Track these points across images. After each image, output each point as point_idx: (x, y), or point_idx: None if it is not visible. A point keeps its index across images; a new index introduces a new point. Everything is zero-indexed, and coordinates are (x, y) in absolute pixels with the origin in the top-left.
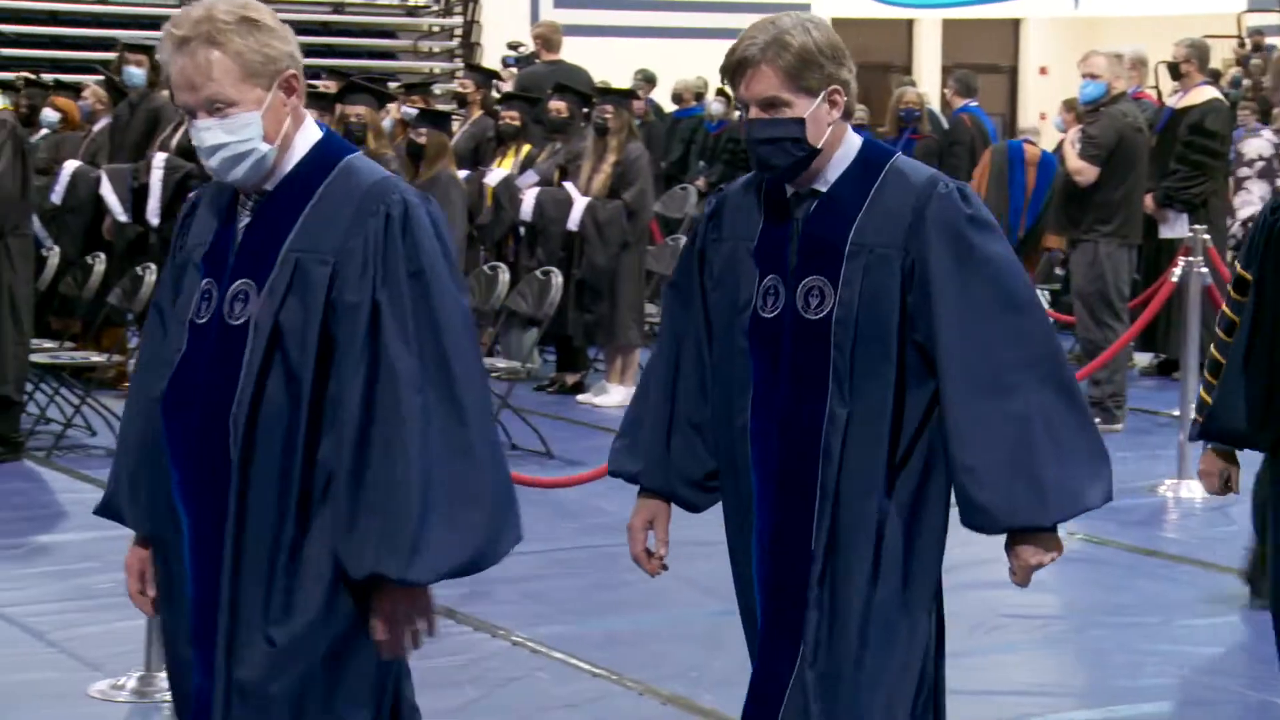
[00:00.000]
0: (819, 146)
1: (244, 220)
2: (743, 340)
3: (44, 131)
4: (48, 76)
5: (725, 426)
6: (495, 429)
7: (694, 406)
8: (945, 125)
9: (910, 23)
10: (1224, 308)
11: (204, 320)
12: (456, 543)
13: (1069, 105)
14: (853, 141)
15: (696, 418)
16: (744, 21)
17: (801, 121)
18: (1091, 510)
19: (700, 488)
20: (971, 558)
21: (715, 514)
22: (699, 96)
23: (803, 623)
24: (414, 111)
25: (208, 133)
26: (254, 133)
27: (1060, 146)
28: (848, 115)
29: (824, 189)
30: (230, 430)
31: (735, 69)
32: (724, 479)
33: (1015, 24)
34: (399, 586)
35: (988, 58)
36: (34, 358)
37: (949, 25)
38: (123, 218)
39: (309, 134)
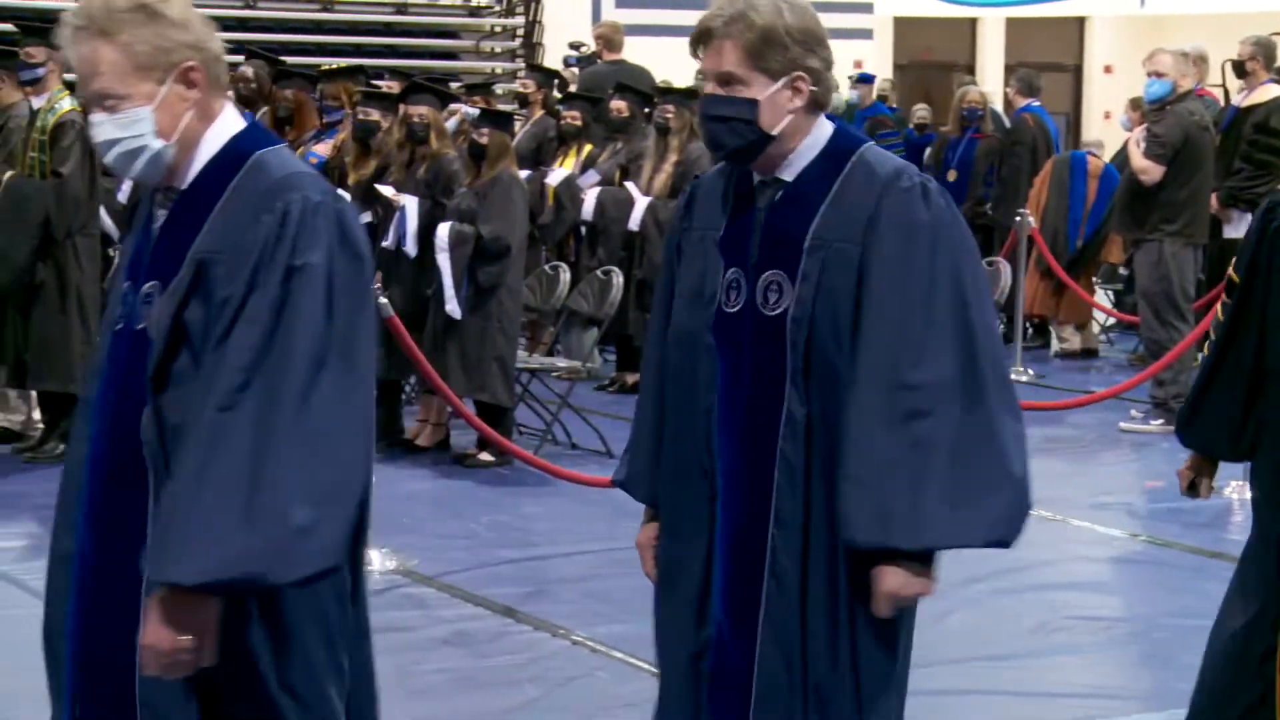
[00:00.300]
0: (773, 133)
1: (159, 221)
2: (708, 336)
3: None
4: None
5: (686, 428)
6: (339, 434)
7: None
8: (1008, 125)
9: (974, 21)
10: (1218, 310)
11: (119, 326)
12: (238, 547)
13: (1135, 104)
14: (823, 131)
15: None
16: None
17: (755, 103)
18: (971, 547)
19: None
20: (1033, 559)
21: None
22: None
23: (757, 644)
24: (475, 111)
25: (99, 128)
26: (145, 129)
27: (1125, 145)
28: (818, 106)
29: (789, 179)
30: (143, 441)
31: (697, 39)
32: (677, 481)
33: (1080, 22)
34: (171, 591)
35: (1052, 56)
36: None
37: (1013, 24)
38: None
39: (224, 128)
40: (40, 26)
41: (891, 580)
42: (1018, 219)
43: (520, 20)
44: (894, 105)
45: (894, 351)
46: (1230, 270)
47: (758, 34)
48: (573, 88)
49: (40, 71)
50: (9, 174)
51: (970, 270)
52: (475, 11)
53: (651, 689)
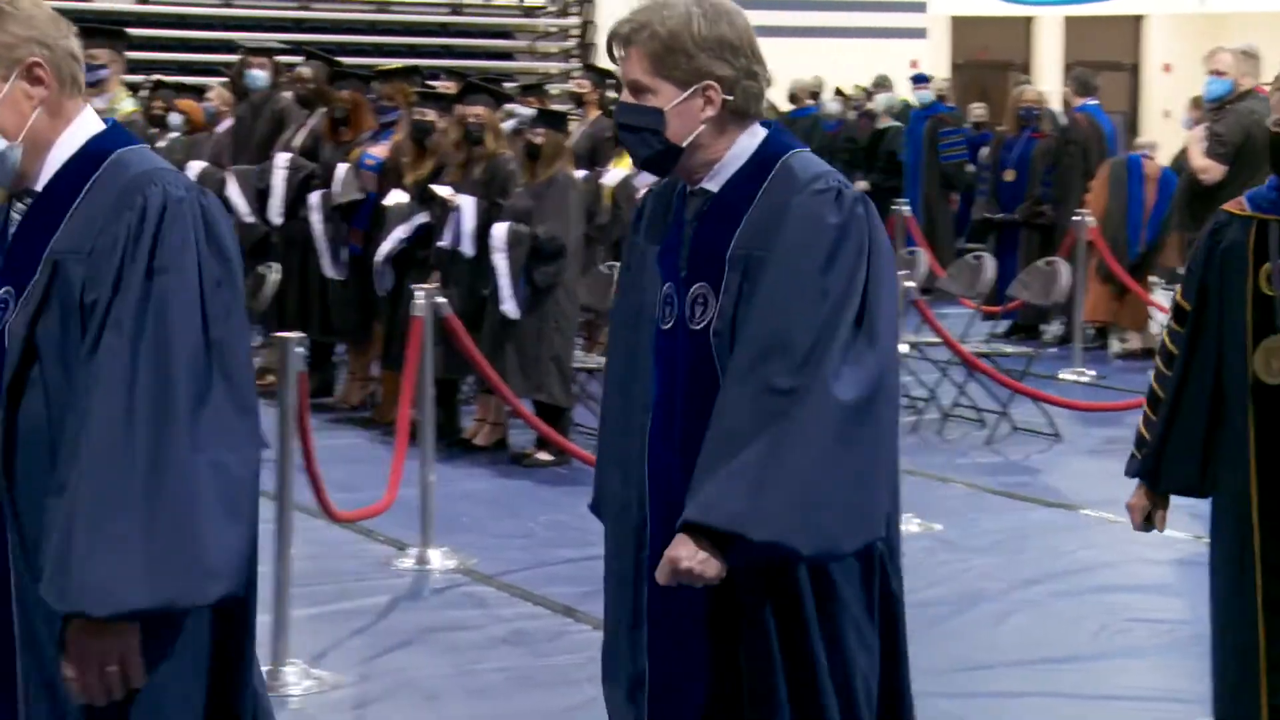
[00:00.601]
0: (682, 144)
1: (14, 225)
2: (646, 354)
3: (173, 135)
4: (173, 79)
5: (626, 447)
6: (235, 445)
7: None
8: (1064, 124)
9: (1030, 20)
10: (1164, 338)
11: None
12: (147, 573)
13: (1196, 103)
14: (751, 139)
15: None
16: (860, 20)
17: (660, 113)
18: (797, 553)
19: None
20: (1094, 561)
21: None
22: (815, 96)
23: (689, 664)
24: (530, 112)
25: None
26: None
27: (1186, 145)
28: (741, 114)
29: (715, 189)
30: None
31: (609, 45)
32: (620, 498)
33: (1137, 20)
34: (87, 621)
35: (1109, 55)
36: None
37: (1070, 22)
38: (248, 218)
39: (82, 129)
40: (103, 29)
41: (681, 551)
42: (1075, 219)
43: (575, 20)
44: (951, 104)
45: (770, 351)
46: (1178, 296)
47: (661, 43)
48: None
49: (103, 73)
50: None
51: (874, 282)
52: (530, 12)
53: None
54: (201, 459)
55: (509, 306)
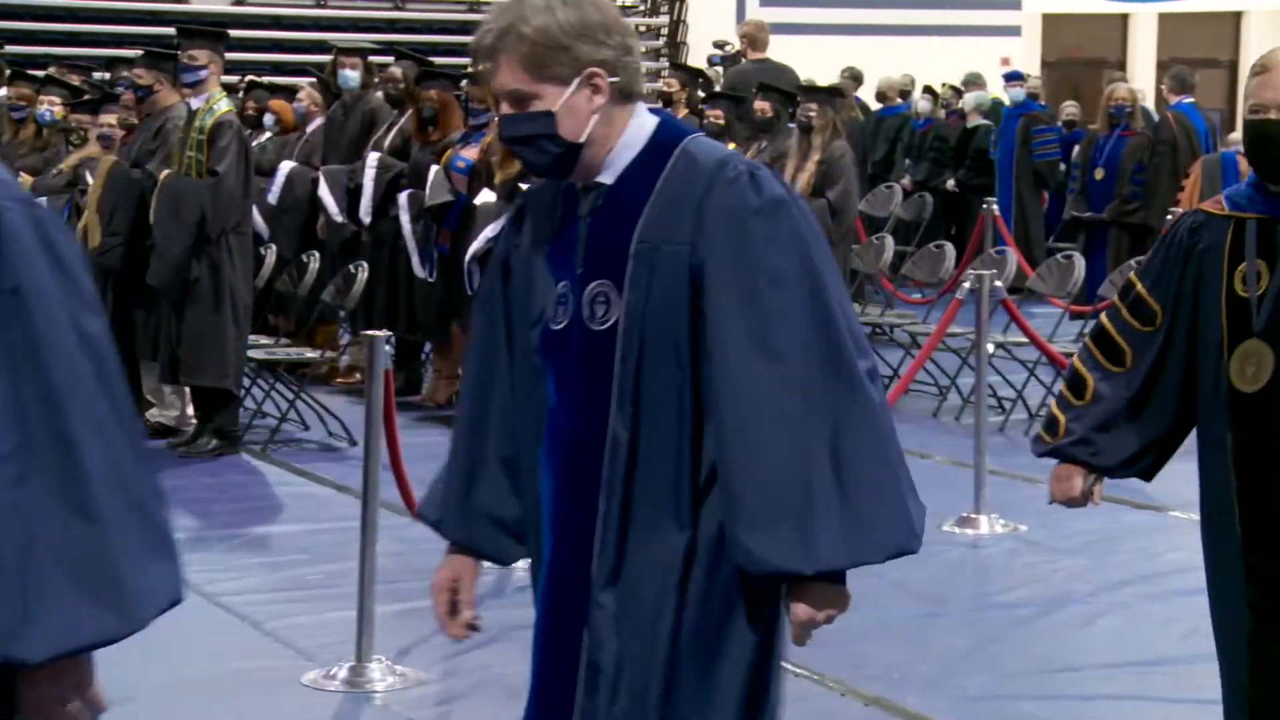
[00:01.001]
0: (580, 140)
1: None
2: (536, 358)
3: (268, 134)
4: (267, 79)
5: (527, 457)
6: (137, 472)
7: (506, 440)
8: (1155, 121)
9: (1125, 17)
10: (1106, 323)
11: None
12: (77, 617)
13: None
14: (643, 125)
15: (509, 452)
16: (952, 18)
17: (551, 115)
18: (872, 564)
19: (510, 534)
20: (1183, 563)
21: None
22: (904, 94)
23: (575, 683)
24: None
25: None
26: None
27: None
28: (627, 96)
29: (610, 181)
30: None
31: (475, 59)
32: (528, 515)
33: (1235, 17)
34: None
35: (1206, 52)
36: (251, 353)
37: (1165, 19)
38: (338, 218)
39: None
40: (203, 30)
41: (800, 611)
42: (1169, 219)
43: (664, 19)
44: (1043, 103)
45: (752, 360)
46: (1141, 291)
47: (531, 43)
48: (717, 87)
49: (202, 74)
50: (166, 173)
51: (817, 251)
52: (620, 11)
53: (792, 689)
54: (112, 488)
55: None
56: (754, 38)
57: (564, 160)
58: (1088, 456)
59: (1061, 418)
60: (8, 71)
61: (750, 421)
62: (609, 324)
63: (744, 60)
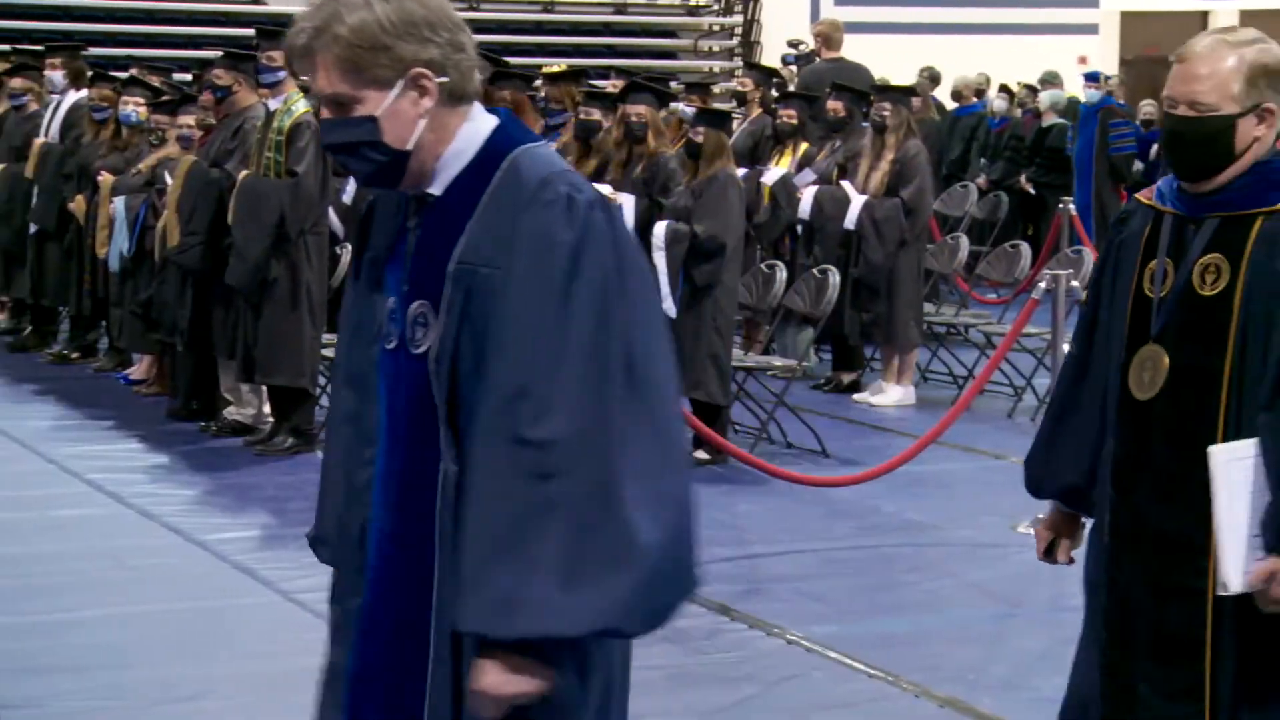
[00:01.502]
0: (408, 147)
1: None
2: (372, 378)
3: None
4: None
5: (347, 485)
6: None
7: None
8: None
9: (1205, 14)
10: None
11: None
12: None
13: None
14: (477, 130)
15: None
16: (1029, 16)
17: (374, 121)
18: (577, 635)
19: None
20: None
21: (999, 514)
22: (980, 93)
23: None
24: (691, 110)
25: None
26: None
27: None
28: (458, 98)
29: (438, 193)
30: None
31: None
32: (341, 543)
33: None
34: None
35: None
36: (325, 352)
37: (1247, 16)
38: None
39: None
40: (279, 30)
41: (485, 677)
42: None
43: (738, 19)
44: (1121, 100)
45: (515, 399)
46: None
47: (346, 44)
48: (791, 86)
49: (280, 74)
50: (244, 173)
51: (623, 300)
52: (694, 11)
53: (867, 690)
54: None
55: (668, 305)
56: (828, 37)
57: (390, 169)
58: (1032, 489)
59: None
60: (90, 73)
61: (494, 459)
62: (424, 348)
63: (818, 59)
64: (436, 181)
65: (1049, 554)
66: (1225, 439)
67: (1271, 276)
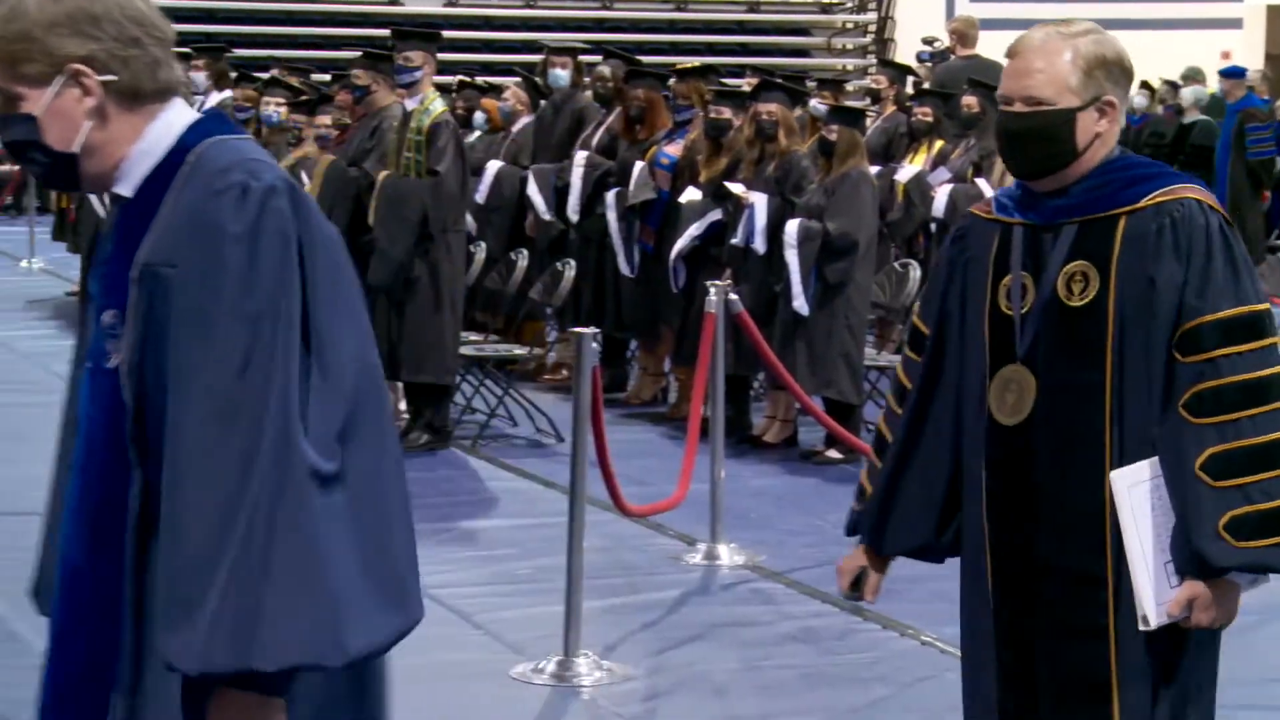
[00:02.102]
0: (73, 149)
1: None
2: (78, 404)
3: (477, 133)
4: (480, 79)
5: (50, 529)
6: None
7: None
8: None
9: None
10: (898, 369)
11: None
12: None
13: None
14: (169, 127)
15: None
16: (1170, 11)
17: (32, 120)
18: (265, 670)
19: None
20: None
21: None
22: None
23: None
24: (824, 108)
25: None
26: None
27: None
28: (135, 96)
29: (129, 194)
30: None
31: None
32: (44, 573)
33: None
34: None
35: None
36: (460, 350)
37: None
38: (547, 216)
39: None
40: (417, 31)
41: (226, 708)
42: None
43: (872, 16)
44: (1266, 97)
45: (194, 417)
46: (916, 319)
47: (8, 39)
48: (926, 84)
49: (418, 74)
50: (384, 173)
51: (313, 296)
52: (827, 8)
53: None
54: None
55: (800, 303)
56: (963, 34)
57: (59, 171)
58: (869, 538)
59: (866, 485)
60: (233, 74)
61: (185, 477)
62: (115, 362)
63: (953, 57)
64: (126, 182)
65: (854, 588)
66: (1114, 459)
67: (1144, 279)
